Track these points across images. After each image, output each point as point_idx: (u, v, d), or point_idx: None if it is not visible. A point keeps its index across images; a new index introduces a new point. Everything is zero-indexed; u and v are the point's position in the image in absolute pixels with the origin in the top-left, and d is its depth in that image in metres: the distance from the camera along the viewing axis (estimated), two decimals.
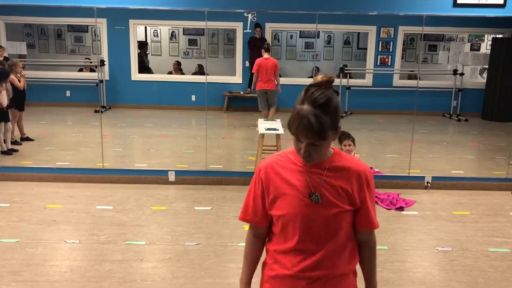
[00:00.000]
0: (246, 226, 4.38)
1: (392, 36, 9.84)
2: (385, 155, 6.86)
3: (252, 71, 8.05)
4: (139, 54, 9.97)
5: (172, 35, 11.46)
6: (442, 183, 5.32)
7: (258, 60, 7.90)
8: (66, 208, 4.47)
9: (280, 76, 10.63)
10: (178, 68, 10.63)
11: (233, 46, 10.86)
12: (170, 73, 10.54)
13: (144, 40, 11.12)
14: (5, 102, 6.02)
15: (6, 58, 7.07)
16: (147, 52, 10.90)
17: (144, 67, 10.42)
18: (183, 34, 11.41)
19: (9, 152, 6.03)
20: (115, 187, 5.10)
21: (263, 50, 8.00)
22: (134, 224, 4.12)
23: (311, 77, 10.31)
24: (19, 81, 6.40)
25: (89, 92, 9.41)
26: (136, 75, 9.81)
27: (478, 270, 3.46)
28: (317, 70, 10.88)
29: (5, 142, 6.05)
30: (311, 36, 11.26)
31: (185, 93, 9.40)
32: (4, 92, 6.01)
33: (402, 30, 9.80)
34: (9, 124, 6.14)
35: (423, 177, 5.34)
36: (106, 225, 4.10)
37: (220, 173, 5.39)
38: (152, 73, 10.62)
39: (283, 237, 1.59)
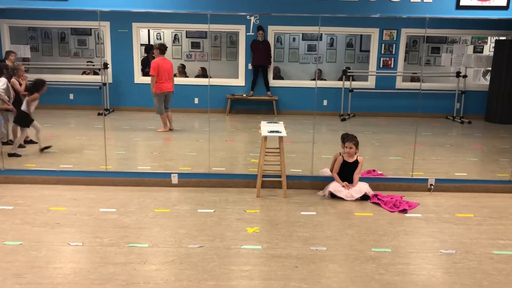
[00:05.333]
0: (249, 229, 4.41)
1: (395, 39, 9.84)
2: (388, 158, 6.85)
3: (152, 73, 7.78)
4: (146, 58, 9.98)
5: (175, 38, 11.49)
6: (445, 185, 5.30)
7: (157, 62, 7.78)
8: (70, 211, 4.48)
9: (282, 79, 10.71)
10: (182, 71, 10.67)
11: (236, 48, 10.88)
12: (174, 75, 10.57)
13: (147, 43, 11.14)
14: (33, 109, 6.22)
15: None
16: (154, 56, 10.89)
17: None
18: (186, 37, 11.45)
19: (17, 154, 6.06)
20: (118, 190, 5.11)
21: (158, 51, 7.86)
22: (137, 227, 4.13)
23: (314, 79, 10.33)
24: (20, 84, 6.45)
25: (92, 95, 9.45)
26: (139, 78, 9.85)
27: (482, 272, 3.44)
28: (320, 72, 10.89)
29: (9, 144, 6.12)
30: (313, 39, 11.27)
31: (188, 95, 9.42)
32: (36, 101, 6.25)
33: (405, 32, 9.80)
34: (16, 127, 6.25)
35: (427, 180, 5.32)
36: (109, 227, 4.11)
37: (223, 176, 5.39)
38: None
39: None
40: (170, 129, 7.97)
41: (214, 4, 5.72)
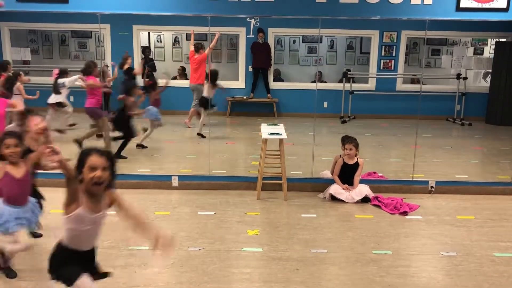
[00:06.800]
0: (250, 231, 4.38)
1: (395, 41, 9.84)
2: (389, 160, 6.85)
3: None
4: (144, 59, 9.97)
5: (176, 41, 11.50)
6: (446, 187, 5.30)
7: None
8: None
9: (283, 81, 10.72)
10: (182, 74, 10.68)
11: (236, 51, 10.89)
12: (174, 78, 10.57)
13: (147, 45, 11.15)
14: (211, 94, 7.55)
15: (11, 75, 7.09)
16: (151, 57, 10.90)
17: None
18: (186, 39, 11.45)
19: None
20: (118, 192, 5.09)
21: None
22: None
23: (314, 81, 10.33)
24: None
25: None
26: (139, 81, 9.82)
27: (483, 275, 3.44)
28: (320, 74, 10.89)
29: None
30: (314, 41, 11.29)
31: (188, 98, 9.41)
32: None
33: (405, 34, 9.80)
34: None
35: (427, 182, 5.32)
36: (109, 230, 4.08)
37: (223, 178, 5.39)
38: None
39: None
40: (189, 126, 8.38)
41: (214, 6, 5.74)
